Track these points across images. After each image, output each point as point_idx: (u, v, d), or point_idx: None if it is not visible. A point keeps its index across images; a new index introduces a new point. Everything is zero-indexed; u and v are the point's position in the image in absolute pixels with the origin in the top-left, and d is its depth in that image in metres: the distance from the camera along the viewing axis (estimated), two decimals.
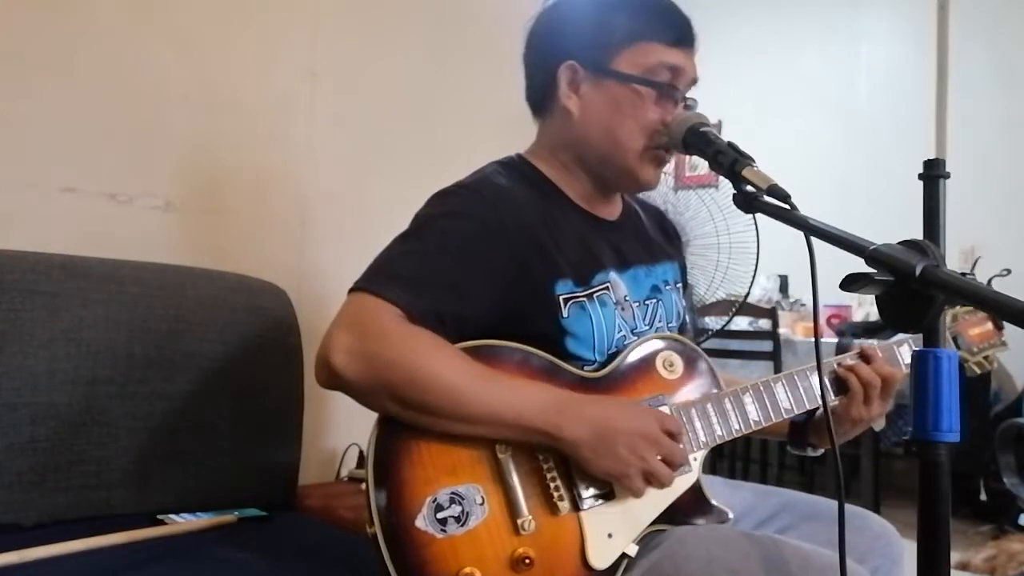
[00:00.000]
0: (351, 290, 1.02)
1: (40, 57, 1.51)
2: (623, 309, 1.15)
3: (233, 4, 1.77)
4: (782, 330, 3.59)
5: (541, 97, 1.20)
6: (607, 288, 1.14)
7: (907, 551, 1.05)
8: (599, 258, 1.15)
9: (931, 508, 0.79)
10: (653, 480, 1.00)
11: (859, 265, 0.79)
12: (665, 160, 1.16)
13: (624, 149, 1.14)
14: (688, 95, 1.17)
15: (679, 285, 1.30)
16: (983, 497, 3.27)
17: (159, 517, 1.33)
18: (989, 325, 1.29)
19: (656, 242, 1.30)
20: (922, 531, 0.79)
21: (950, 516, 0.79)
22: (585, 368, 1.10)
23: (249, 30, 1.80)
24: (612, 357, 1.12)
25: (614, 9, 1.15)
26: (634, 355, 1.13)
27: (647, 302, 1.21)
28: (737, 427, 1.12)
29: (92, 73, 1.57)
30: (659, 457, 1.00)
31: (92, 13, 1.57)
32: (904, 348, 1.28)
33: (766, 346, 3.44)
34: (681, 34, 1.14)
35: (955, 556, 2.60)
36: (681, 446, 1.04)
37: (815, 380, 1.18)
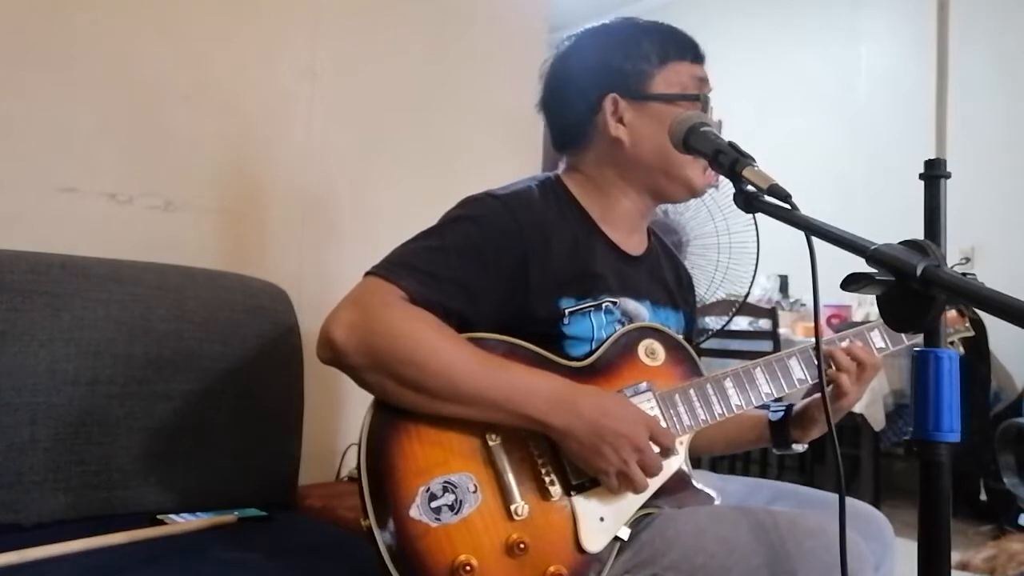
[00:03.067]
0: (366, 274, 1.05)
1: (40, 57, 1.51)
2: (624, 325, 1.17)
3: (233, 4, 1.77)
4: (782, 330, 3.59)
5: (577, 131, 1.23)
6: (615, 303, 1.16)
7: (906, 551, 1.06)
8: (610, 284, 1.17)
9: (931, 508, 0.79)
10: (628, 484, 1.02)
11: (859, 265, 0.79)
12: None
13: (676, 163, 1.18)
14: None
15: (680, 335, 1.30)
16: (983, 497, 3.27)
17: (159, 517, 1.32)
18: (953, 311, 1.31)
19: (669, 287, 1.31)
20: (922, 531, 0.79)
21: (950, 516, 0.79)
22: (572, 361, 1.11)
23: (249, 30, 1.80)
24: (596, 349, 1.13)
25: (637, 40, 1.21)
26: (617, 344, 1.14)
27: None
28: (720, 411, 1.14)
29: (92, 73, 1.57)
30: (639, 464, 1.01)
31: (92, 13, 1.57)
32: (875, 333, 1.28)
33: (766, 346, 3.44)
34: (698, 50, 1.24)
35: (955, 556, 2.60)
36: (663, 456, 1.05)
37: (792, 363, 1.21)
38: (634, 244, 1.26)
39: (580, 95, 1.22)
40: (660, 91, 1.19)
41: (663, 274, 1.31)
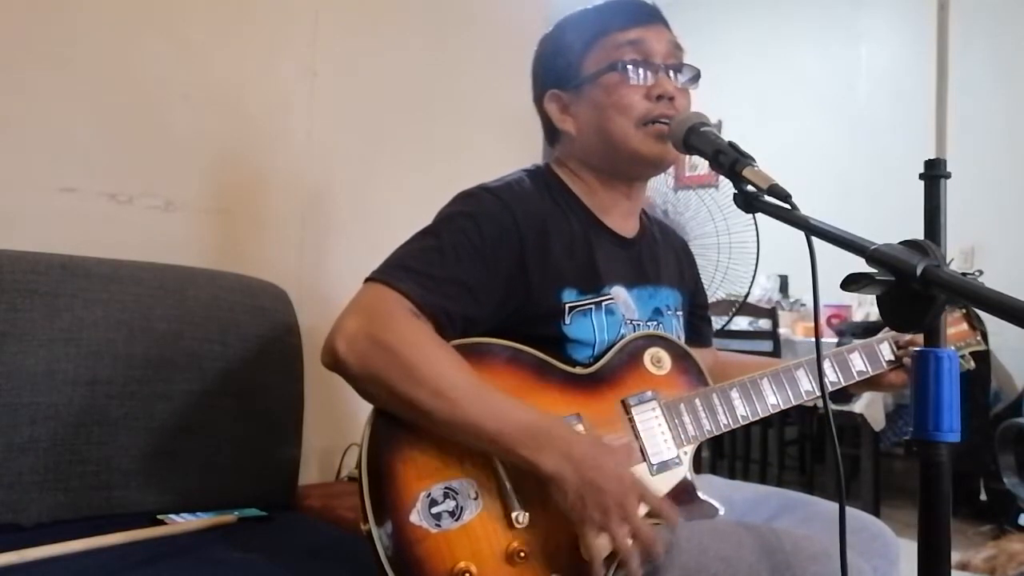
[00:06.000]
0: (367, 280, 1.04)
1: (40, 57, 1.51)
2: (626, 324, 1.16)
3: (233, 3, 1.77)
4: (782, 330, 3.60)
5: (549, 132, 1.26)
6: (613, 299, 1.15)
7: (906, 551, 1.06)
8: (608, 271, 1.16)
9: (931, 508, 0.79)
10: (610, 543, 0.96)
11: (859, 265, 0.79)
12: (665, 133, 1.13)
13: (619, 140, 1.15)
14: (687, 64, 1.19)
15: (679, 312, 1.30)
16: (983, 497, 3.27)
17: (159, 517, 1.32)
18: (965, 325, 1.31)
19: (667, 267, 1.30)
20: (922, 531, 0.79)
21: (950, 516, 0.79)
22: (577, 367, 1.11)
23: (249, 29, 1.80)
24: (602, 355, 1.12)
25: (567, 29, 1.22)
26: (622, 352, 1.13)
27: (648, 323, 1.21)
28: (725, 422, 1.14)
29: (92, 72, 1.57)
30: (629, 532, 0.95)
31: (92, 12, 1.57)
32: (884, 346, 1.29)
33: (766, 346, 3.45)
34: (632, 14, 1.18)
35: (955, 556, 2.59)
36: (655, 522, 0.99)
37: (800, 375, 1.20)
38: (627, 227, 1.25)
39: (535, 100, 1.25)
40: (590, 72, 1.16)
41: (661, 255, 1.30)
